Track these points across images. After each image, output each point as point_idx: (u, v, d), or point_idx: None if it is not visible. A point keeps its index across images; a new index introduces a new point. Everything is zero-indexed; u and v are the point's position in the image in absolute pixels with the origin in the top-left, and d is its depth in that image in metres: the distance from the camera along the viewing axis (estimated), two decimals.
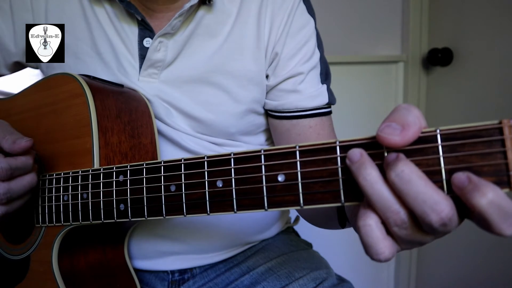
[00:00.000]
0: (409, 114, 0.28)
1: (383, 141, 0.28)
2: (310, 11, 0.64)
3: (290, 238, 0.76)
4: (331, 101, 0.64)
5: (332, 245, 1.15)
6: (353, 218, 0.40)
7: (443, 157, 0.28)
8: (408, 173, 0.27)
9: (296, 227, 0.83)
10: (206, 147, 0.63)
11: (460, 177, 0.27)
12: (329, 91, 0.64)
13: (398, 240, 0.30)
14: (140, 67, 0.59)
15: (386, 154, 0.29)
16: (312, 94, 0.61)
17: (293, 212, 0.77)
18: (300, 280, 0.60)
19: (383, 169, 0.29)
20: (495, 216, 0.26)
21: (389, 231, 0.30)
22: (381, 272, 1.58)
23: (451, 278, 1.39)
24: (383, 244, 0.29)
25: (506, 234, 0.26)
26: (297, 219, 0.82)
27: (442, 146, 0.28)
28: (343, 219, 0.50)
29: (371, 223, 0.29)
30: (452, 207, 0.26)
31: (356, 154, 0.30)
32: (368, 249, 0.30)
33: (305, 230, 0.84)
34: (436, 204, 0.26)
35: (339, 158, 0.31)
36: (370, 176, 0.28)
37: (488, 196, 0.26)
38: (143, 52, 0.59)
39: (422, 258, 1.53)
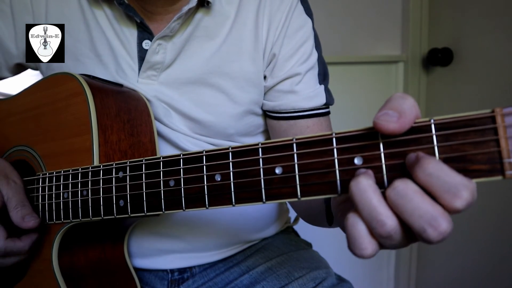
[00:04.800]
0: (405, 102, 0.28)
1: (380, 128, 0.28)
2: (308, 12, 0.64)
3: (290, 237, 0.76)
4: (329, 101, 0.64)
5: (332, 245, 1.15)
6: (338, 214, 0.40)
7: (437, 147, 0.28)
8: (403, 187, 0.27)
9: (296, 227, 0.83)
10: (204, 148, 0.63)
11: (411, 156, 0.28)
12: (327, 91, 0.64)
13: (383, 245, 0.30)
14: (139, 69, 0.60)
15: (381, 144, 0.30)
16: (309, 94, 0.62)
17: (292, 212, 0.77)
18: (300, 279, 0.60)
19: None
20: (436, 188, 0.26)
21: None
22: (381, 272, 1.57)
23: (451, 278, 1.39)
24: (368, 240, 0.29)
25: (455, 206, 0.26)
26: (296, 219, 0.82)
27: (436, 136, 0.28)
28: (330, 217, 0.50)
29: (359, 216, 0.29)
30: (449, 221, 0.26)
31: (362, 170, 0.30)
32: (352, 242, 0.29)
33: (305, 230, 0.84)
34: (434, 219, 0.26)
35: (335, 150, 0.31)
36: (361, 184, 0.28)
37: (425, 168, 0.26)
38: (142, 54, 0.59)
39: (422, 258, 1.53)
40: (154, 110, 0.60)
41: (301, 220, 0.74)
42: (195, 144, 0.62)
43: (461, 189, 0.26)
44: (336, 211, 0.41)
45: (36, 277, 0.54)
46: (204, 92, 0.61)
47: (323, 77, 0.65)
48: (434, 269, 1.47)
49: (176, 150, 0.62)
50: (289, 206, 0.82)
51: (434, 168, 0.26)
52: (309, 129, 0.62)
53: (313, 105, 0.62)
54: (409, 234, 0.28)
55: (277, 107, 0.63)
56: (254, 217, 0.69)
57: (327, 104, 0.64)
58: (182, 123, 0.62)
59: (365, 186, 0.28)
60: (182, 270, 0.67)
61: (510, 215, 1.16)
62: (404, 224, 0.28)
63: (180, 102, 0.60)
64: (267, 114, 0.66)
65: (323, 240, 1.06)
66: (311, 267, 0.63)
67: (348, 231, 0.29)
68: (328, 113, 0.65)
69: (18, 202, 0.50)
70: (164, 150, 0.62)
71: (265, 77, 0.63)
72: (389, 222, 0.27)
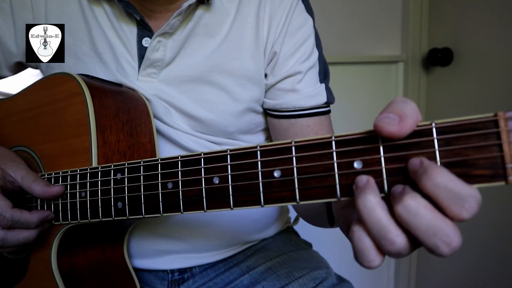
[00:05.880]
0: (406, 106, 0.28)
1: (381, 130, 0.28)
2: (309, 10, 0.64)
3: (290, 238, 0.76)
4: (330, 100, 0.63)
5: (332, 245, 1.15)
6: (340, 219, 0.40)
7: (439, 151, 0.27)
8: (415, 206, 0.26)
9: (296, 227, 0.83)
10: (205, 146, 0.63)
11: (414, 161, 0.28)
12: (328, 90, 0.64)
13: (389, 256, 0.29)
14: (139, 67, 0.59)
15: (381, 148, 0.29)
16: (310, 93, 0.61)
17: (292, 212, 0.77)
18: (300, 279, 0.60)
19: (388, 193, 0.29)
20: (443, 199, 0.26)
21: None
22: (381, 272, 1.58)
23: (451, 278, 1.39)
24: (375, 252, 0.28)
25: (463, 217, 0.26)
26: (297, 219, 0.82)
27: (437, 140, 0.27)
28: (332, 218, 0.49)
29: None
30: (460, 235, 0.26)
31: (363, 179, 0.29)
32: (359, 255, 0.29)
33: (305, 230, 0.84)
34: (447, 236, 0.25)
35: (335, 153, 0.31)
36: (369, 202, 0.28)
37: (434, 179, 0.26)
38: (142, 52, 0.59)
39: (422, 258, 1.53)
40: (154, 109, 0.59)
41: (301, 220, 0.74)
42: (196, 142, 0.62)
43: (469, 200, 0.25)
44: (337, 215, 0.41)
45: (36, 278, 0.54)
46: (204, 90, 0.60)
47: (324, 76, 0.64)
48: (434, 269, 1.47)
49: (177, 148, 0.62)
50: (289, 206, 0.82)
51: (442, 179, 0.26)
52: (310, 128, 0.62)
53: (314, 104, 0.62)
54: (416, 244, 0.28)
55: (278, 105, 0.62)
56: (254, 218, 0.69)
57: (328, 103, 0.63)
58: (182, 122, 0.62)
59: (373, 205, 0.28)
60: (182, 271, 0.67)
61: (510, 215, 1.16)
62: (412, 237, 0.27)
63: (180, 100, 0.60)
64: (267, 113, 0.66)
65: (323, 240, 1.06)
66: (311, 267, 0.63)
67: (355, 244, 0.29)
68: (328, 111, 0.64)
69: (35, 176, 0.50)
70: (165, 148, 0.62)
71: (266, 75, 0.63)
72: (399, 240, 0.27)
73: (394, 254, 0.28)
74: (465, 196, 0.25)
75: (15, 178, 0.50)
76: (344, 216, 0.37)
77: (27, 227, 0.49)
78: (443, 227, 0.26)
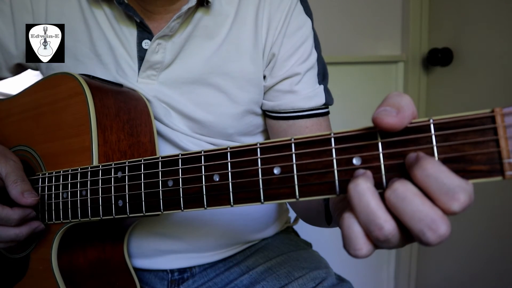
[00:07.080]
0: (402, 99, 0.28)
1: (380, 123, 0.28)
2: (308, 11, 0.64)
3: (289, 237, 0.76)
4: (328, 101, 0.64)
5: (332, 245, 1.15)
6: (336, 212, 0.40)
7: (437, 147, 0.28)
8: (403, 190, 0.27)
9: (296, 227, 0.83)
10: (204, 148, 0.63)
11: (411, 156, 0.28)
12: (326, 91, 0.64)
13: (378, 246, 0.29)
14: (139, 68, 0.60)
15: (380, 144, 0.29)
16: (308, 94, 0.61)
17: (292, 212, 0.77)
18: (300, 279, 0.60)
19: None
20: (434, 189, 0.26)
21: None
22: (381, 272, 1.57)
23: (451, 278, 1.39)
24: (363, 241, 0.28)
25: (452, 209, 0.26)
26: (296, 219, 0.82)
27: (435, 136, 0.28)
28: (329, 216, 0.50)
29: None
30: (448, 224, 0.26)
31: (360, 171, 0.30)
32: (347, 242, 0.29)
33: (305, 230, 0.84)
34: (433, 222, 0.26)
35: (334, 150, 0.31)
36: (359, 187, 0.28)
37: (425, 169, 0.26)
38: (141, 54, 0.59)
39: (422, 258, 1.53)
40: (154, 110, 0.60)
41: (301, 220, 0.74)
42: (195, 143, 0.62)
43: (458, 191, 0.25)
44: (334, 209, 0.41)
45: (36, 277, 0.54)
46: (204, 92, 0.61)
47: (323, 77, 0.65)
48: (434, 269, 1.46)
49: (176, 149, 0.62)
50: (289, 206, 0.82)
51: (433, 169, 0.26)
52: (308, 129, 0.62)
53: (312, 105, 0.62)
54: (407, 236, 0.28)
55: (277, 107, 0.63)
56: (254, 217, 0.69)
57: (326, 104, 0.63)
58: (182, 123, 0.62)
59: (363, 189, 0.28)
60: (182, 270, 0.67)
61: (510, 215, 1.16)
62: (402, 226, 0.28)
63: (180, 102, 0.60)
64: (266, 114, 0.66)
65: (323, 240, 1.06)
66: (311, 267, 0.63)
67: (344, 232, 0.29)
68: (327, 113, 0.64)
69: (17, 177, 0.50)
70: (165, 149, 0.62)
71: (264, 77, 0.63)
72: (387, 226, 0.27)
73: (383, 241, 0.28)
74: (455, 187, 0.25)
75: (0, 172, 0.50)
76: (340, 210, 0.37)
77: (7, 223, 0.48)
78: (429, 213, 0.26)
